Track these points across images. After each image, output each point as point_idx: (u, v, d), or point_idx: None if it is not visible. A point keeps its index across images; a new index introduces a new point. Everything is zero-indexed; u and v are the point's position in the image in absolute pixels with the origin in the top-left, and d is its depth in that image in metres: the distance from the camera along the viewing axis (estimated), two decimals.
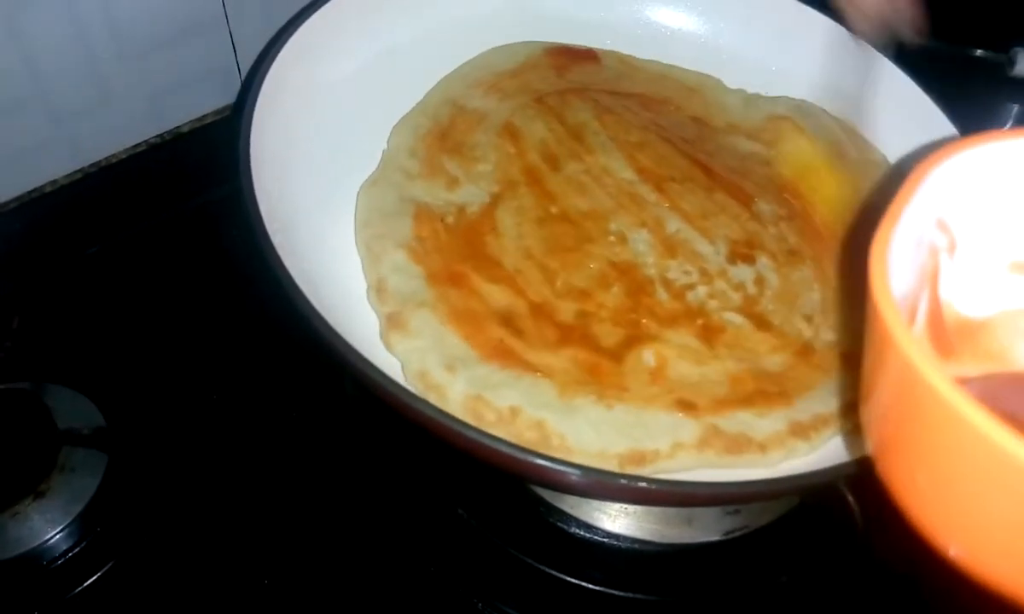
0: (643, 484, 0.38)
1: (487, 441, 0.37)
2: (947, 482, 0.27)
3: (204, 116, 0.63)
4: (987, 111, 0.69)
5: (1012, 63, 0.69)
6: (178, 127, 0.63)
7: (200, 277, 0.58)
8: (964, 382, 0.27)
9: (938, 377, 0.24)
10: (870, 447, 0.31)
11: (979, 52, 0.69)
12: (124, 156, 0.61)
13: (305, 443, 0.52)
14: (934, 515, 0.28)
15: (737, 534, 0.49)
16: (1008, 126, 0.71)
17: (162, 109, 0.61)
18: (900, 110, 0.57)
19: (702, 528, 0.49)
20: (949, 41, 0.69)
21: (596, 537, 0.49)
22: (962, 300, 0.34)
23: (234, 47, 0.61)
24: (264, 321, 0.43)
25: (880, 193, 0.55)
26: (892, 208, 0.29)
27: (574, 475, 0.37)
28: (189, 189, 0.60)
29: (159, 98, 0.61)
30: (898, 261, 0.28)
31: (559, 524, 0.49)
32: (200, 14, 0.59)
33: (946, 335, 0.33)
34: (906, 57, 0.57)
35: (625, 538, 0.49)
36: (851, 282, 0.51)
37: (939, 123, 0.55)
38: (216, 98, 0.61)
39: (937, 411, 0.24)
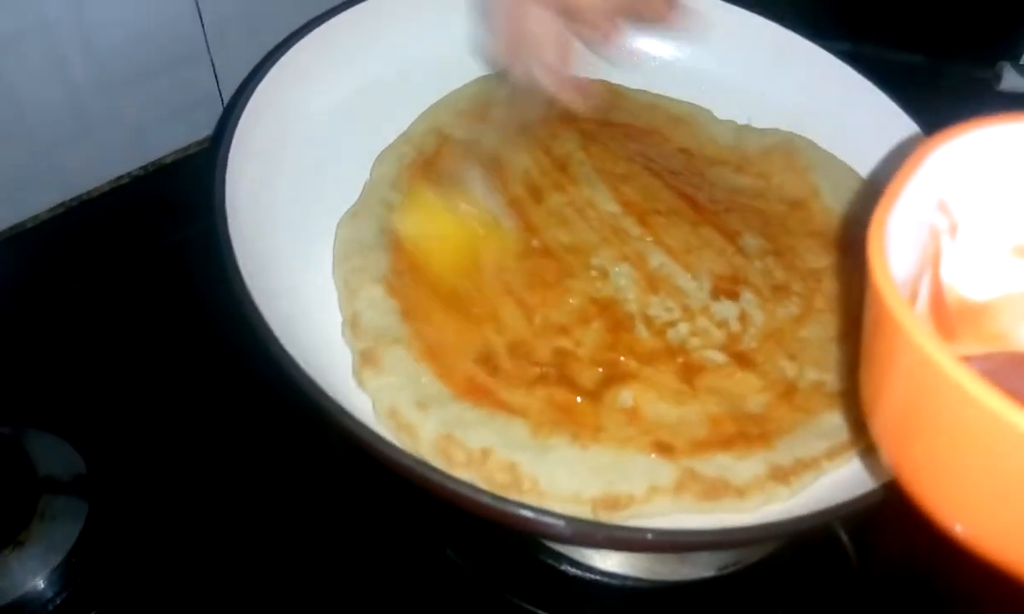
0: (605, 533, 0.37)
1: (451, 485, 0.36)
2: (952, 458, 0.27)
3: (188, 147, 0.63)
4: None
5: (998, 78, 0.69)
6: (161, 158, 0.62)
7: (186, 316, 0.56)
8: (966, 360, 0.27)
9: (940, 352, 0.24)
10: (874, 432, 0.31)
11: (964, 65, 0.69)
12: (107, 189, 0.61)
13: (290, 485, 0.50)
14: (940, 492, 0.28)
15: (731, 570, 0.48)
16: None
17: (145, 141, 0.61)
18: (890, 141, 0.56)
19: (696, 565, 0.48)
20: (934, 57, 0.69)
21: (589, 575, 0.48)
22: (964, 282, 0.34)
23: (216, 77, 0.61)
24: (249, 363, 0.42)
25: (861, 211, 0.54)
26: (891, 188, 0.29)
27: (544, 523, 0.36)
28: (173, 222, 0.59)
29: (141, 130, 0.60)
30: (898, 242, 0.28)
31: (550, 562, 0.48)
32: (181, 45, 0.58)
33: (948, 317, 0.33)
34: (890, 73, 0.57)
35: (618, 576, 0.48)
36: (843, 317, 0.50)
37: None
38: (199, 129, 0.61)
39: (940, 386, 0.24)
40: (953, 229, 0.32)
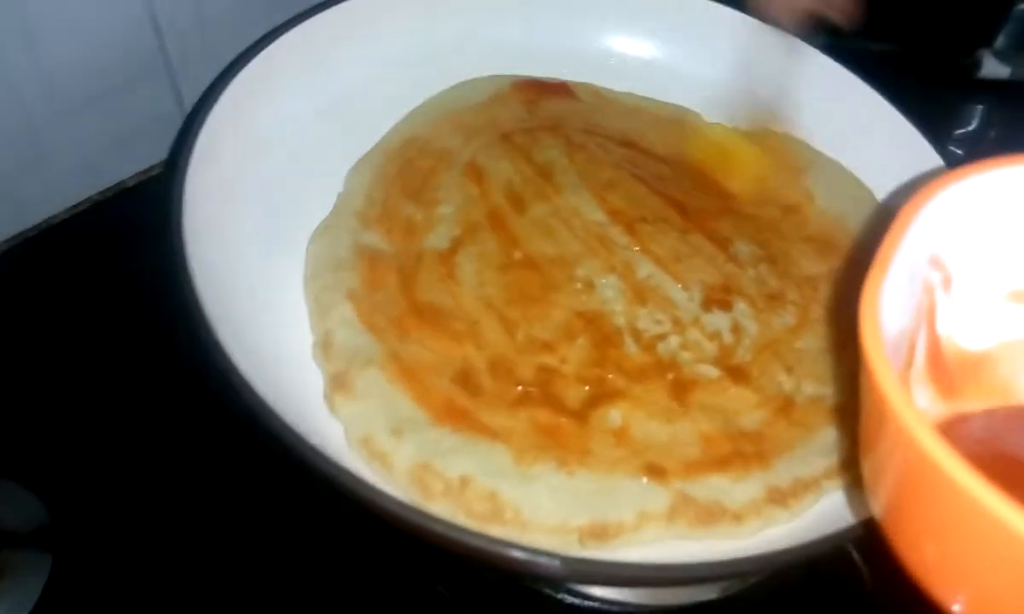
0: (595, 570, 0.35)
1: (424, 522, 0.34)
2: (946, 544, 0.26)
3: (150, 169, 0.60)
4: (952, 113, 0.66)
5: (977, 65, 0.68)
6: (122, 182, 0.59)
7: (153, 349, 0.52)
8: (966, 419, 0.26)
9: (935, 445, 0.23)
10: (870, 500, 0.30)
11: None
12: (65, 217, 0.57)
13: (268, 523, 0.47)
14: (935, 572, 0.27)
15: (735, 591, 0.45)
16: (974, 126, 0.69)
17: (104, 164, 0.58)
18: (888, 142, 0.54)
19: (699, 588, 0.45)
20: (912, 46, 0.67)
21: (588, 604, 0.45)
22: (961, 333, 0.33)
23: (177, 95, 0.58)
24: (221, 399, 0.39)
25: (870, 233, 0.52)
26: (881, 254, 0.28)
27: (519, 559, 0.33)
28: (138, 248, 0.55)
29: (100, 153, 0.57)
30: (891, 303, 0.28)
31: (547, 592, 0.45)
32: (139, 62, 0.55)
33: (947, 370, 0.33)
34: (869, 64, 0.55)
35: (618, 603, 0.45)
36: (840, 327, 0.48)
37: (921, 147, 0.52)
38: (161, 149, 0.57)
39: (934, 478, 0.24)
40: (947, 282, 0.31)
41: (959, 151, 0.55)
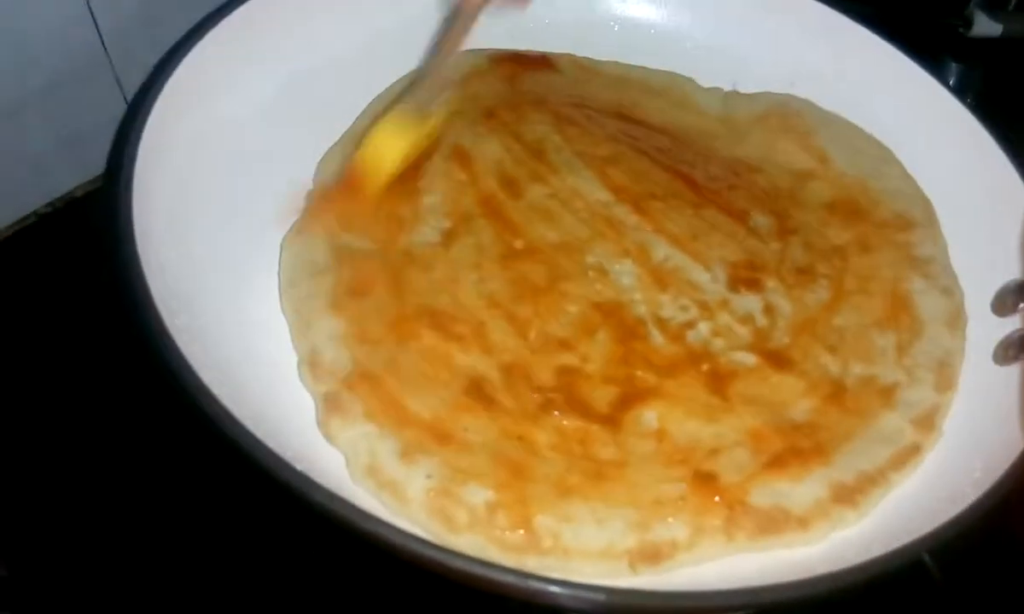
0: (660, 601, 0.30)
1: (451, 561, 0.28)
2: None
3: (98, 176, 0.53)
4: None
5: (969, 23, 0.64)
6: (70, 192, 0.53)
7: (114, 377, 0.46)
8: None
9: None
10: None
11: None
12: (10, 233, 0.51)
13: (255, 572, 0.41)
14: None
15: None
16: (951, 83, 0.66)
17: (49, 173, 0.52)
18: (902, 93, 0.50)
19: None
20: (901, 4, 0.64)
21: None
22: None
23: (123, 91, 0.51)
24: (193, 432, 0.33)
25: None
26: None
27: (584, 598, 0.28)
28: (90, 263, 0.48)
29: (43, 161, 0.51)
30: None
31: None
32: (77, 59, 0.49)
33: None
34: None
35: None
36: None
37: (942, 98, 0.48)
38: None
39: None
40: None
41: None
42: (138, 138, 0.39)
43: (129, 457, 0.43)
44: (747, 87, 0.54)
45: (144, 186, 0.38)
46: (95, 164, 0.53)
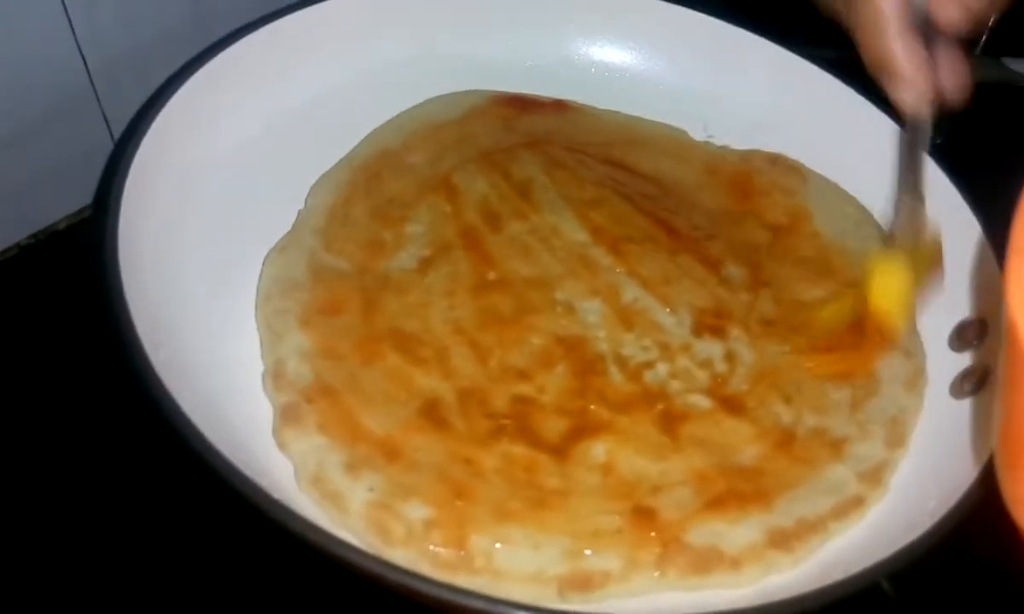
0: None
1: (381, 570, 0.29)
2: None
3: (82, 210, 0.54)
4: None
5: None
6: (53, 225, 0.54)
7: (92, 410, 0.46)
8: None
9: None
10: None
11: None
12: None
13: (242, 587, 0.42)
14: None
15: None
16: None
17: (32, 206, 0.52)
18: (886, 157, 0.51)
19: None
20: None
21: None
22: None
23: (108, 126, 0.53)
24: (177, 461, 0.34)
25: None
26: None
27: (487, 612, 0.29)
28: (72, 296, 0.49)
29: (25, 194, 0.52)
30: None
31: None
32: (64, 94, 0.50)
33: None
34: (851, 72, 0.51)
35: None
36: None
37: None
38: (94, 187, 0.52)
39: None
40: None
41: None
42: (125, 174, 0.40)
43: (114, 480, 0.44)
44: (718, 130, 0.55)
45: (130, 222, 0.39)
46: (79, 198, 0.54)
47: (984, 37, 0.63)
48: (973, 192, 0.46)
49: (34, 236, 0.53)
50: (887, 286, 0.42)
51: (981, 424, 0.38)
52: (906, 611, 0.41)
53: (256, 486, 0.32)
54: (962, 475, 0.36)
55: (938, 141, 0.44)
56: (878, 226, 0.49)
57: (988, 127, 0.57)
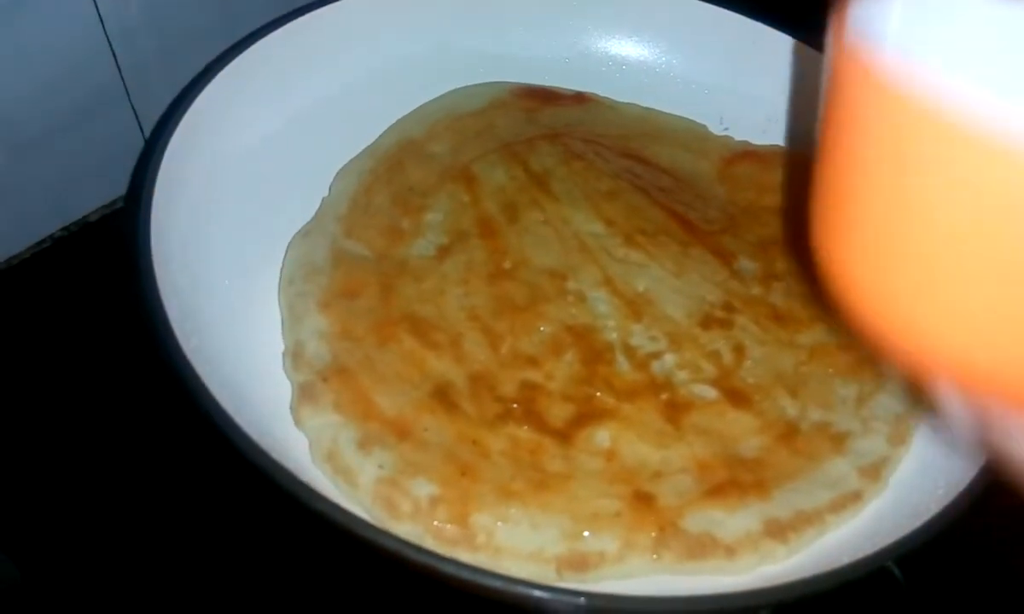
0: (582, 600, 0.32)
1: (384, 541, 0.31)
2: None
3: (113, 202, 0.56)
4: None
5: None
6: (86, 217, 0.56)
7: (125, 392, 0.47)
8: None
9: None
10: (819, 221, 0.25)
11: None
12: (27, 256, 0.54)
13: (257, 578, 0.43)
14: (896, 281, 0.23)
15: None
16: None
17: (65, 199, 0.54)
18: None
19: None
20: None
21: None
22: None
23: (139, 123, 0.55)
24: (200, 444, 0.36)
25: None
26: None
27: (490, 584, 0.30)
28: (104, 285, 0.50)
29: (60, 188, 0.54)
30: None
31: None
32: (96, 92, 0.52)
33: None
34: None
35: None
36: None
37: None
38: (124, 181, 0.53)
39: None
40: None
41: None
42: (156, 168, 0.41)
43: (144, 469, 0.45)
44: (736, 124, 0.55)
45: (161, 213, 0.40)
46: (109, 191, 0.55)
47: None
48: None
49: (66, 228, 0.55)
50: None
51: None
52: (915, 596, 0.41)
53: (272, 460, 0.33)
54: (963, 474, 0.36)
55: None
56: None
57: None
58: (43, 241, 0.55)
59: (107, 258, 0.49)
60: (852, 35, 0.22)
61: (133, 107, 0.54)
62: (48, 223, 0.55)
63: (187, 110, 0.44)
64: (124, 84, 0.53)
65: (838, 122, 0.24)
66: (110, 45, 0.51)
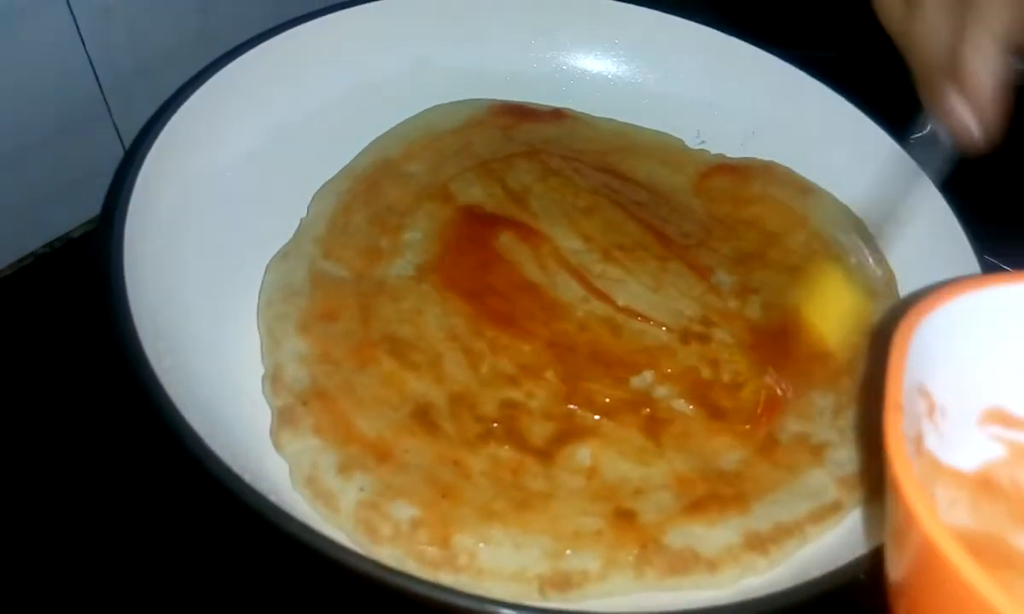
0: None
1: (364, 566, 0.31)
2: None
3: (95, 218, 0.55)
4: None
5: None
6: (68, 233, 0.55)
7: (108, 415, 0.46)
8: None
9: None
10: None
11: None
12: (8, 273, 0.54)
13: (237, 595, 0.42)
14: None
15: None
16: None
17: (47, 216, 0.54)
18: (863, 156, 0.51)
19: None
20: (878, 54, 0.65)
21: None
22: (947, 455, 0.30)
23: (121, 139, 0.55)
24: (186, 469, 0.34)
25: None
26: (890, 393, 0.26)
27: (469, 610, 0.30)
28: (86, 302, 0.47)
29: (42, 204, 0.53)
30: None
31: None
32: (78, 107, 0.52)
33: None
34: (840, 76, 0.53)
35: None
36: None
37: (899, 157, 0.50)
38: None
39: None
40: (931, 410, 0.29)
41: None
42: (131, 187, 0.41)
43: (126, 489, 0.45)
44: (713, 139, 0.56)
45: (136, 232, 0.40)
46: (91, 207, 0.55)
47: None
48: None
49: (49, 245, 0.55)
50: (826, 305, 0.44)
51: None
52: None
53: (249, 488, 0.33)
54: None
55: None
56: (868, 234, 0.50)
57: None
58: (25, 258, 0.54)
59: (90, 275, 0.48)
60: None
61: (115, 124, 0.54)
62: (31, 240, 0.54)
63: (162, 130, 0.44)
64: (105, 101, 0.53)
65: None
66: (91, 63, 0.51)
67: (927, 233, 0.48)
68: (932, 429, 0.29)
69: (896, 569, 0.27)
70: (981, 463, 0.30)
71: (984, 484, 0.25)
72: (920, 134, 0.42)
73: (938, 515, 0.23)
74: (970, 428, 0.30)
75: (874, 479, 0.39)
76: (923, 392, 0.29)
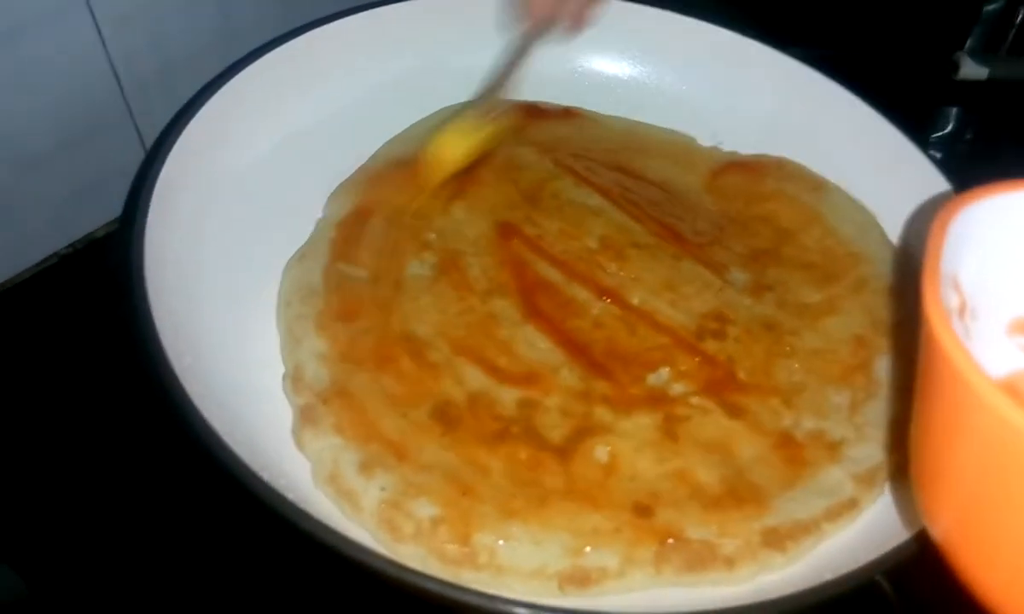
0: None
1: (388, 569, 0.31)
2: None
3: (117, 219, 0.57)
4: (929, 116, 0.65)
5: (956, 67, 0.65)
6: (91, 234, 0.56)
7: (132, 409, 0.47)
8: None
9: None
10: (927, 513, 0.28)
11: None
12: (33, 272, 0.54)
13: (259, 593, 0.43)
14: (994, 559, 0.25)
15: None
16: (950, 128, 0.69)
17: (70, 217, 0.55)
18: (893, 166, 0.51)
19: None
20: (887, 52, 0.65)
21: None
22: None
23: (142, 141, 0.56)
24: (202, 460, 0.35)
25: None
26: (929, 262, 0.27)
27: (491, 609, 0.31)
28: (109, 301, 0.47)
29: (65, 206, 0.54)
30: None
31: None
32: (100, 113, 0.53)
33: None
34: (847, 73, 0.53)
35: None
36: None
37: (913, 157, 0.51)
38: None
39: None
40: (962, 309, 0.29)
41: (937, 154, 0.53)
42: (151, 189, 0.42)
43: (141, 479, 0.46)
44: (726, 137, 0.56)
45: (156, 231, 0.41)
46: (113, 208, 0.56)
47: (1011, 35, 0.65)
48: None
49: (72, 245, 0.56)
50: (446, 142, 0.48)
51: None
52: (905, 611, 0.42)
53: (268, 486, 0.34)
54: None
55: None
56: (883, 231, 0.50)
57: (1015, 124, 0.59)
58: (49, 258, 0.55)
59: (111, 275, 0.49)
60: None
61: (136, 126, 0.55)
62: (54, 240, 0.55)
63: (182, 133, 0.45)
64: (127, 104, 0.54)
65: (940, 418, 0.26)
66: (113, 67, 0.52)
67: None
68: (962, 329, 0.29)
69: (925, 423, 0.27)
70: (1008, 371, 0.30)
71: (1010, 392, 0.24)
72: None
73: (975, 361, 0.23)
74: (999, 336, 0.30)
75: (891, 473, 0.40)
76: (955, 284, 0.28)
